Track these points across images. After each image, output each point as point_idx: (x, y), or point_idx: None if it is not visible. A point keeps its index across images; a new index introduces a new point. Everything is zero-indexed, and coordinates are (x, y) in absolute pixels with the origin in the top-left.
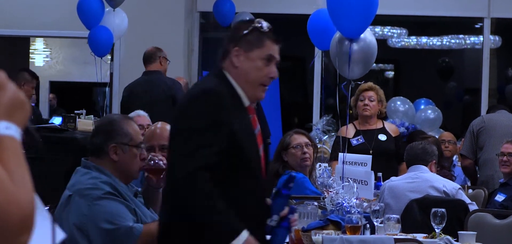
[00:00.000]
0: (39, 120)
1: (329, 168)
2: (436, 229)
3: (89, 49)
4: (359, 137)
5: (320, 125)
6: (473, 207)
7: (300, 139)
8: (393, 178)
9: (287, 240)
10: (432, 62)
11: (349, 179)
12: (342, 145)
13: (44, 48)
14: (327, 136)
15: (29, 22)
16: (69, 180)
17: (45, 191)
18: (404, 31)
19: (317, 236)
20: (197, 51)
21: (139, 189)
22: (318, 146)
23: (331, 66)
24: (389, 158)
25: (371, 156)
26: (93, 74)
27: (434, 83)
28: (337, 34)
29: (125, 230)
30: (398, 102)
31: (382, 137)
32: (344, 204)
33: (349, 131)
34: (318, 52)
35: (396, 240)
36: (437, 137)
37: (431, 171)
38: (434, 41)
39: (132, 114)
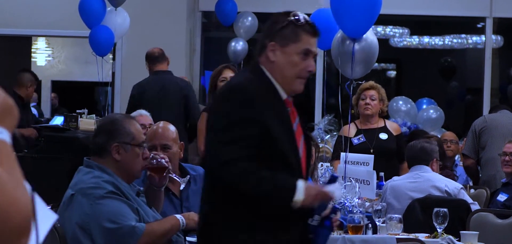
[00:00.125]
0: (36, 120)
1: (331, 167)
2: (438, 229)
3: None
4: (360, 136)
5: (322, 124)
6: (475, 206)
7: None
8: (395, 178)
9: None
10: (434, 61)
11: (351, 179)
12: (344, 144)
13: (46, 47)
14: (329, 136)
15: (31, 21)
16: (71, 179)
17: (48, 190)
18: (406, 30)
19: None
20: (199, 50)
21: (141, 188)
22: (320, 146)
23: (333, 66)
24: (390, 157)
25: (373, 155)
26: (95, 73)
27: (436, 83)
28: (339, 34)
29: (128, 229)
30: (400, 102)
31: (383, 136)
32: (346, 204)
33: (350, 130)
34: (320, 52)
35: (398, 239)
36: (439, 136)
37: (433, 169)
38: (436, 41)
39: (134, 113)
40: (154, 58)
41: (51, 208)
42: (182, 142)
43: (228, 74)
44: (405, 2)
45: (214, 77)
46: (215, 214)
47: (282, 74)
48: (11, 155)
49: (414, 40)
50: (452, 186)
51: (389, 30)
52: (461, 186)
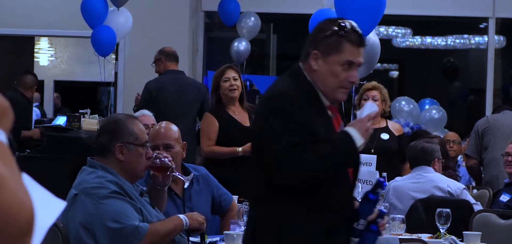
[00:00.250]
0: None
1: None
2: (441, 229)
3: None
4: None
5: None
6: (478, 207)
7: None
8: (397, 178)
9: None
10: (436, 62)
11: None
12: None
13: (48, 47)
14: None
15: (34, 21)
16: (74, 179)
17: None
18: (409, 31)
19: None
20: (201, 50)
21: (144, 188)
22: None
23: None
24: (391, 157)
25: (375, 155)
26: (97, 73)
27: (439, 83)
28: None
29: (131, 229)
30: (403, 102)
31: (385, 136)
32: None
33: None
34: None
35: (401, 240)
36: (441, 136)
37: (435, 169)
38: (439, 41)
39: (137, 113)
40: (171, 56)
41: None
42: (184, 142)
43: (231, 74)
44: (408, 2)
45: (217, 78)
46: (268, 222)
47: (324, 83)
48: (9, 155)
49: (417, 41)
50: (454, 186)
51: (391, 30)
52: (464, 186)
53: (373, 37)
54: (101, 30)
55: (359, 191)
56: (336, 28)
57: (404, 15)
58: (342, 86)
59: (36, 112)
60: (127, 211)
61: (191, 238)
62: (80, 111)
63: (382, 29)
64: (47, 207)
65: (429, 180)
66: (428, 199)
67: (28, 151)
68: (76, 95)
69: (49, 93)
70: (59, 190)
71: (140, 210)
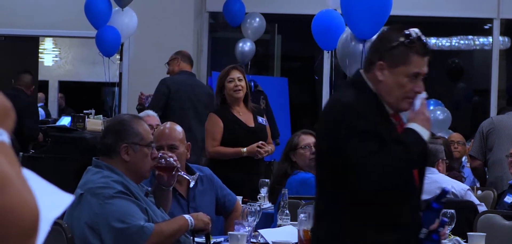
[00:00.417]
0: (43, 121)
1: None
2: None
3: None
4: None
5: None
6: (482, 208)
7: (308, 139)
8: None
9: (295, 241)
10: (441, 63)
11: None
12: None
13: (53, 48)
14: None
15: (38, 22)
16: (78, 179)
17: None
18: None
19: None
20: (206, 51)
21: (149, 189)
22: None
23: (340, 66)
24: None
25: None
26: (102, 74)
27: (443, 84)
28: (345, 34)
29: (137, 229)
30: None
31: None
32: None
33: None
34: (327, 53)
35: None
36: (446, 137)
37: (439, 170)
38: (443, 42)
39: (142, 114)
40: (186, 58)
41: None
42: (189, 143)
43: (236, 75)
44: (412, 3)
45: (222, 78)
46: (339, 233)
47: (390, 94)
48: (13, 155)
49: None
50: (458, 187)
51: None
52: (468, 187)
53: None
54: (106, 31)
55: None
56: (403, 38)
57: (409, 16)
58: (408, 96)
59: (40, 113)
60: (133, 211)
61: (196, 239)
62: (84, 111)
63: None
64: (52, 200)
65: (433, 181)
66: None
67: (33, 151)
68: (81, 95)
69: (53, 94)
70: (63, 190)
71: (146, 210)
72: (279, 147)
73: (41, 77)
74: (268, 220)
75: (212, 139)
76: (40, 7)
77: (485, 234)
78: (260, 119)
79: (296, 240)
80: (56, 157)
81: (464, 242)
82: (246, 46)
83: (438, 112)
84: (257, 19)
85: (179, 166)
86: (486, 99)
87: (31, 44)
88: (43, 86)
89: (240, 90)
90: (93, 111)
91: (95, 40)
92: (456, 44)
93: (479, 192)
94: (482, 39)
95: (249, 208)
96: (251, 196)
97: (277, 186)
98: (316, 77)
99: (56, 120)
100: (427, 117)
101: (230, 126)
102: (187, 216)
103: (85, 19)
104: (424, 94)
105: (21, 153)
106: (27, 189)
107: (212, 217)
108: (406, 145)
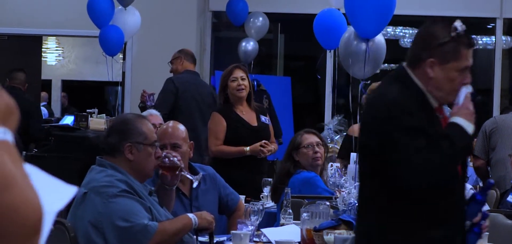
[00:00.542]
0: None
1: (342, 168)
2: None
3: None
4: None
5: (332, 124)
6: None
7: (311, 138)
8: None
9: (298, 240)
10: None
11: None
12: (354, 144)
13: (56, 47)
14: (339, 136)
15: (41, 21)
16: (81, 178)
17: None
18: (416, 31)
19: (329, 236)
20: (209, 50)
21: (153, 188)
22: (330, 146)
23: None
24: None
25: None
26: (105, 73)
27: None
28: (347, 34)
29: (140, 227)
30: None
31: None
32: (356, 204)
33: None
34: (330, 52)
35: None
36: None
37: None
38: None
39: (144, 113)
40: (189, 56)
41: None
42: (192, 141)
43: (239, 74)
44: (415, 2)
45: (225, 77)
46: (385, 229)
47: (440, 88)
48: (17, 154)
49: None
50: None
51: (399, 30)
52: (470, 186)
53: (379, 37)
54: (109, 30)
55: None
56: (453, 35)
57: (412, 15)
58: (457, 89)
59: (43, 112)
60: (137, 210)
61: (200, 238)
62: (87, 110)
63: (389, 29)
64: (55, 193)
65: None
66: None
67: (36, 150)
68: (84, 94)
69: (56, 93)
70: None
71: (150, 209)
72: (282, 146)
73: (44, 76)
74: (271, 219)
75: (215, 138)
76: (43, 6)
77: (487, 233)
78: (263, 118)
79: (298, 239)
80: (59, 156)
81: None
82: (249, 45)
83: None
84: (260, 19)
85: (183, 166)
86: (489, 99)
87: (34, 44)
88: (46, 85)
89: (243, 89)
90: (96, 110)
91: (98, 39)
92: None
93: None
94: (485, 39)
95: (252, 207)
96: (254, 195)
97: (280, 185)
98: (319, 77)
99: (59, 119)
100: (471, 112)
101: (233, 125)
102: (190, 215)
103: (88, 18)
104: (469, 88)
105: (24, 152)
106: (31, 188)
107: (215, 216)
108: (451, 140)
